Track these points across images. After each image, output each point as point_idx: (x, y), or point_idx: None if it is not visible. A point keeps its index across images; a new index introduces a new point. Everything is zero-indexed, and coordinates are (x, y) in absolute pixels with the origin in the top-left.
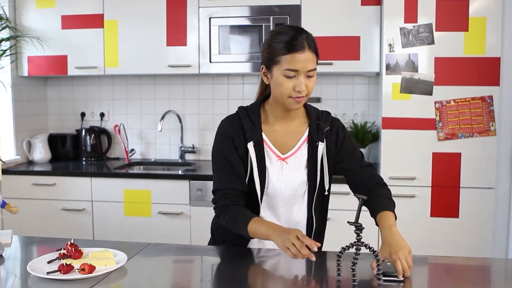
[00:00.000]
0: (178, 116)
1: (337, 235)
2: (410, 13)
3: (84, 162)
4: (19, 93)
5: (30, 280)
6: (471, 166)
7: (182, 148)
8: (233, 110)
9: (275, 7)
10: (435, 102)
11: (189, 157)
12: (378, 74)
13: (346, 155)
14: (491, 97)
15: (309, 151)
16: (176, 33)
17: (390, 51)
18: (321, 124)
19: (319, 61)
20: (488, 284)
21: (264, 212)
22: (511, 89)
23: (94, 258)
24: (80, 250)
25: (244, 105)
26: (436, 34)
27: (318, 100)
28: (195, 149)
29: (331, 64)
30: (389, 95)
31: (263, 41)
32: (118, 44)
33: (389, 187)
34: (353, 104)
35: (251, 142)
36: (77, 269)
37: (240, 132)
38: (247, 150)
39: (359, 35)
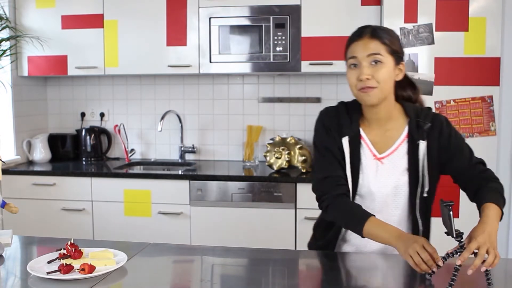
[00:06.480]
0: (178, 116)
1: None
2: (410, 13)
3: (84, 162)
4: (19, 93)
5: (30, 280)
6: None
7: (182, 148)
8: (233, 110)
9: (275, 7)
10: (435, 102)
11: (189, 157)
12: None
13: (453, 154)
14: (491, 97)
15: (409, 151)
16: (176, 33)
17: None
18: (421, 122)
19: (319, 61)
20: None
21: None
22: (511, 89)
23: (94, 258)
24: (80, 250)
25: (345, 101)
26: (436, 34)
27: (318, 100)
28: (195, 149)
29: (331, 64)
30: None
31: None
32: (118, 44)
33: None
34: None
35: (346, 137)
36: (77, 269)
37: (336, 126)
38: (342, 146)
39: None
